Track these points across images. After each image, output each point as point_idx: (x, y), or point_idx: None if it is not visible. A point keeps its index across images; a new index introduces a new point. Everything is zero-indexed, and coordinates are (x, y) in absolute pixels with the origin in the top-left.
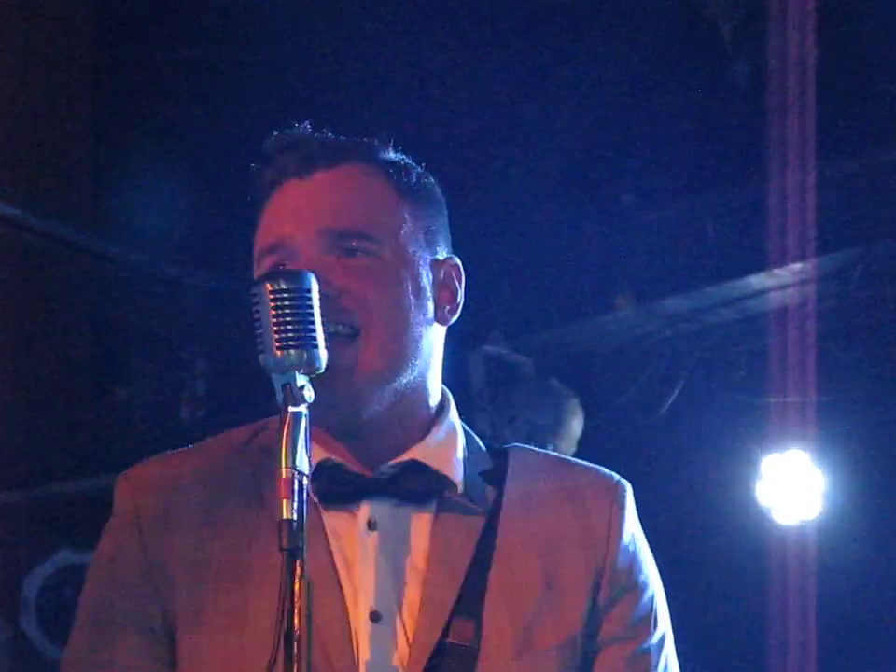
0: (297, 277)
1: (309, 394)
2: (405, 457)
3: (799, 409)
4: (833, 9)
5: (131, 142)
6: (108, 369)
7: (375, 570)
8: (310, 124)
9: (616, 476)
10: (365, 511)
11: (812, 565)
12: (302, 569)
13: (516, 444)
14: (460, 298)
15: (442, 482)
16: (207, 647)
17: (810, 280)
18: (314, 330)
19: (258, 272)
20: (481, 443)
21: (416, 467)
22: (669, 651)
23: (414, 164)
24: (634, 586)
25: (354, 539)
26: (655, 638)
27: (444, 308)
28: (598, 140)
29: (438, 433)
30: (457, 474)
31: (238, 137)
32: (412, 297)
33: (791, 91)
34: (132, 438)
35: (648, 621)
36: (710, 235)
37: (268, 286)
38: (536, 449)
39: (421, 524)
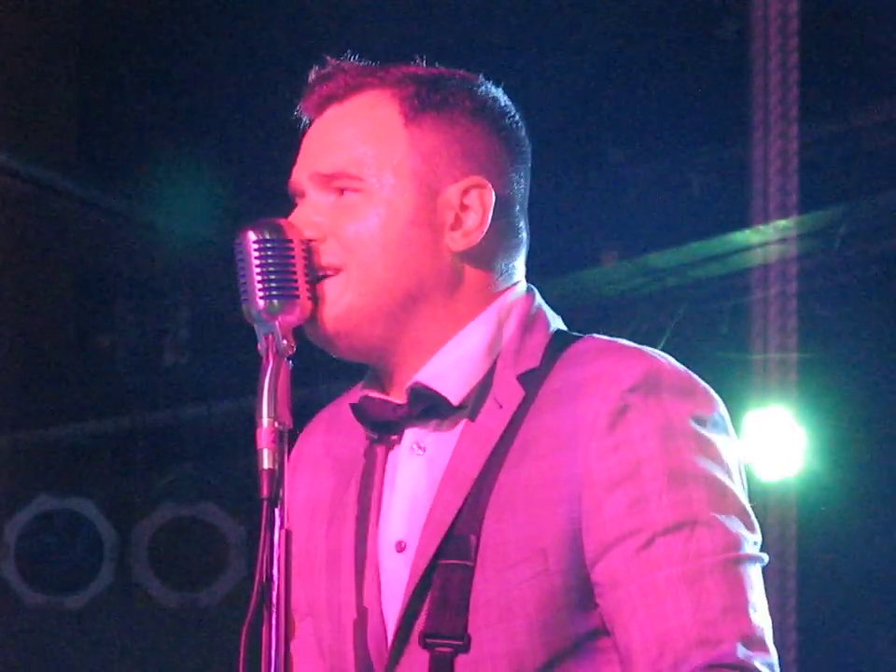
0: (279, 228)
1: (290, 344)
2: (412, 381)
3: (781, 365)
4: None
5: (116, 87)
6: (91, 316)
7: (409, 497)
8: (351, 51)
9: (639, 362)
10: (407, 437)
11: (793, 520)
12: (283, 518)
13: (593, 335)
14: (480, 220)
15: (442, 400)
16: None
17: (793, 237)
18: (295, 281)
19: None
20: (547, 336)
21: (421, 389)
22: (685, 543)
23: (452, 79)
24: (623, 480)
25: (399, 467)
26: (659, 528)
27: (460, 232)
28: (585, 96)
29: (447, 351)
30: (457, 391)
31: (225, 83)
32: (408, 226)
33: (776, 49)
34: (114, 384)
35: (648, 511)
36: (696, 191)
37: (251, 235)
38: (602, 337)
39: (453, 440)
